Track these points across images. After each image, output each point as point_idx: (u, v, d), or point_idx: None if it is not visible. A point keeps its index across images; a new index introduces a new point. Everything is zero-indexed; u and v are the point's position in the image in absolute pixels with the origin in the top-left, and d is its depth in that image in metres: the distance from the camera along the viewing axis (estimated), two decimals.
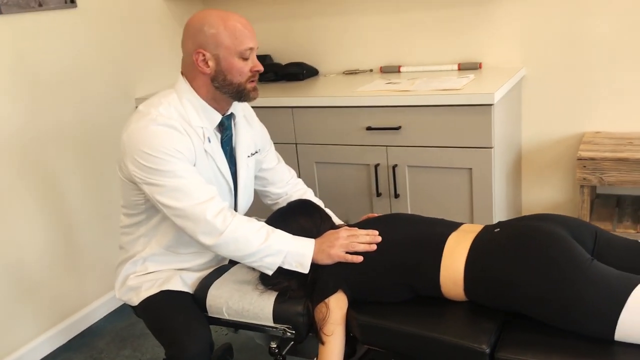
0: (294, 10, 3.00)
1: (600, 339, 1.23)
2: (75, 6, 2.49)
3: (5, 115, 2.27)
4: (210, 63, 1.55)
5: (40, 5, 2.33)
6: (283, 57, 3.04)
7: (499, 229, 1.43)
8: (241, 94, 1.62)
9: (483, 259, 1.36)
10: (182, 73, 1.63)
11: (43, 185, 2.44)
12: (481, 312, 1.37)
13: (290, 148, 2.54)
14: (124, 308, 2.80)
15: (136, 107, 2.80)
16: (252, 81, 1.62)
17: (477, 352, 1.27)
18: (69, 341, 2.57)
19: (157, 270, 1.70)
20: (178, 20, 3.04)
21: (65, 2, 2.44)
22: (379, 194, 2.43)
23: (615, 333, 1.20)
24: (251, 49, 1.57)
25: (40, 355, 2.45)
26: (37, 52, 2.36)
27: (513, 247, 1.33)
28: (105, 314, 2.75)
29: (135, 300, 1.68)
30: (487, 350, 1.27)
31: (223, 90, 1.59)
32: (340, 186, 2.51)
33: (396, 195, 2.40)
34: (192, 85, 1.60)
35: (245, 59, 1.58)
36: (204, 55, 1.54)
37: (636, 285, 1.20)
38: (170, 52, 3.00)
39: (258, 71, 1.61)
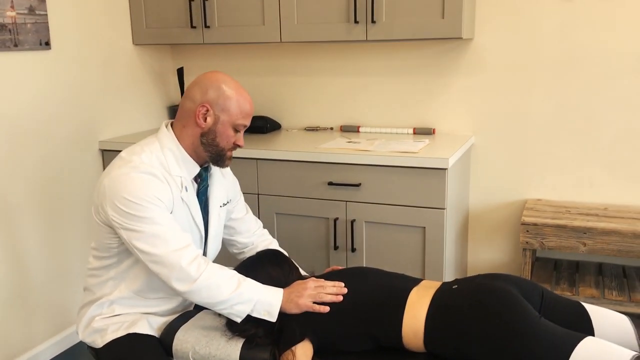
0: (260, 67, 3.14)
1: None
2: (50, 48, 2.53)
3: None
4: (209, 120, 1.65)
5: (15, 45, 2.37)
6: None
7: (456, 286, 1.55)
8: (219, 158, 1.72)
9: (442, 313, 1.47)
10: (168, 124, 1.71)
11: (1, 223, 2.41)
12: None
13: (252, 198, 2.62)
14: (72, 351, 2.74)
15: (100, 149, 2.85)
16: (231, 151, 1.74)
17: None
18: None
19: (124, 313, 1.72)
20: (147, 68, 3.12)
21: (40, 44, 2.48)
22: (336, 247, 2.53)
23: None
24: (245, 126, 1.71)
25: None
26: (6, 90, 2.38)
27: (470, 303, 1.46)
28: (51, 357, 2.68)
29: (100, 343, 1.69)
30: None
31: (207, 148, 1.68)
32: (299, 238, 2.60)
33: (353, 249, 2.50)
34: (178, 133, 1.68)
35: (236, 132, 1.70)
36: (208, 110, 1.64)
37: (579, 341, 1.34)
38: (137, 98, 3.06)
39: (239, 146, 1.74)
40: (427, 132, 2.86)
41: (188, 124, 1.67)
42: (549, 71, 2.65)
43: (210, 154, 1.69)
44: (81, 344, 2.74)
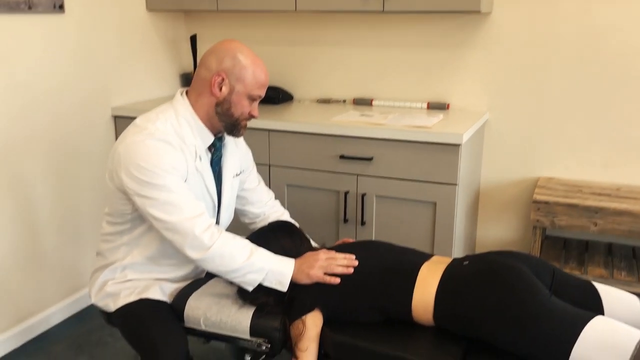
0: (274, 37, 3.11)
1: None
2: (63, 12, 2.52)
3: None
4: (224, 89, 1.64)
5: (29, 7, 2.36)
6: None
7: (467, 262, 1.55)
8: (233, 128, 1.72)
9: (453, 288, 1.48)
10: (183, 92, 1.70)
11: (12, 187, 2.43)
12: (448, 337, 1.48)
13: (263, 169, 2.62)
14: (83, 314, 2.79)
15: (112, 115, 2.86)
16: (246, 121, 1.73)
17: None
18: (24, 344, 2.54)
19: (136, 279, 1.74)
20: (160, 35, 3.09)
21: (54, 7, 2.46)
22: (346, 220, 2.54)
23: None
24: (260, 96, 1.69)
25: None
26: (20, 53, 2.38)
27: (481, 279, 1.46)
28: (63, 319, 2.73)
29: (112, 307, 1.71)
30: None
31: (221, 117, 1.67)
32: (309, 210, 2.60)
33: (362, 223, 2.51)
34: (194, 101, 1.67)
35: (251, 102, 1.69)
36: (223, 79, 1.63)
37: (589, 320, 1.34)
38: (150, 65, 3.05)
39: (254, 116, 1.73)
40: (442, 107, 2.84)
41: (203, 93, 1.67)
42: (567, 48, 2.61)
43: (224, 123, 1.69)
44: (92, 307, 2.77)
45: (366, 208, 2.50)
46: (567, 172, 2.74)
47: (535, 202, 2.46)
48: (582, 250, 2.67)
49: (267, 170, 2.63)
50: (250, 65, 1.65)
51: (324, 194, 2.57)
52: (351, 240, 1.87)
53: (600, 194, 2.52)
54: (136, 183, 1.55)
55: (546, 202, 2.45)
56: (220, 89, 1.64)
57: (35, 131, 2.48)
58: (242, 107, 1.67)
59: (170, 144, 1.60)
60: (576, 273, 2.44)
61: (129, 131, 1.62)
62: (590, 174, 2.71)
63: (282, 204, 2.58)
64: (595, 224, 2.39)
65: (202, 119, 1.69)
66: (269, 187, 2.58)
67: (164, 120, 1.64)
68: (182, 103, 1.68)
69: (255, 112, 1.72)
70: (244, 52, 1.66)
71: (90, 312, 2.79)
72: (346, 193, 2.51)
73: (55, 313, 2.69)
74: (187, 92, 1.72)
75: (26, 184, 2.48)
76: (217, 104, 1.66)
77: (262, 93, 1.70)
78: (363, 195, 2.48)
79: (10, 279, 2.47)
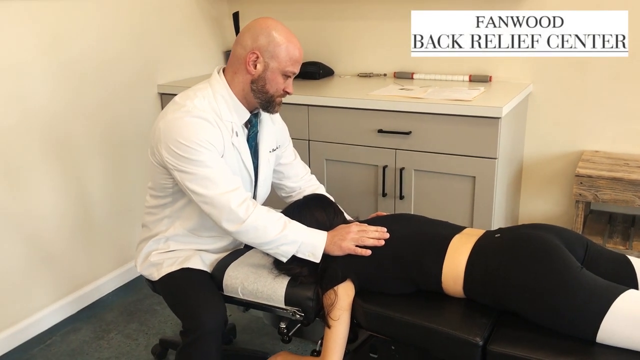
0: (315, 12, 3.12)
1: (583, 339, 1.35)
2: None
3: (37, 93, 2.39)
4: (259, 67, 1.68)
5: None
6: None
7: (499, 234, 1.56)
8: (268, 104, 1.75)
9: (483, 260, 1.48)
10: (220, 70, 1.75)
11: (67, 162, 2.56)
12: (477, 308, 1.50)
13: (302, 144, 2.66)
14: (133, 284, 2.92)
15: (158, 93, 2.94)
16: (281, 97, 1.76)
17: (471, 344, 1.40)
18: (79, 312, 2.69)
19: (178, 249, 1.82)
20: (203, 13, 3.15)
21: None
22: (384, 194, 2.55)
23: (598, 335, 1.33)
24: (294, 73, 1.72)
25: (50, 323, 2.57)
26: (70, 33, 2.48)
27: (511, 251, 1.47)
28: (114, 289, 2.87)
29: (156, 276, 1.80)
30: (480, 343, 1.40)
31: (257, 94, 1.71)
32: (348, 184, 2.63)
33: (401, 197, 2.52)
34: (230, 79, 1.72)
35: (285, 79, 1.72)
36: (258, 57, 1.67)
37: (620, 293, 1.33)
38: (193, 44, 3.12)
39: (288, 93, 1.76)
40: (484, 79, 2.80)
41: (239, 70, 1.71)
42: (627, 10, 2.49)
43: (260, 100, 1.73)
44: (140, 278, 2.92)
45: (404, 182, 2.51)
46: (614, 145, 2.66)
47: (578, 175, 2.42)
48: (629, 224, 2.61)
49: (307, 145, 2.67)
50: (284, 42, 1.67)
51: (363, 168, 2.59)
52: (384, 213, 1.89)
53: None
54: (175, 158, 1.62)
55: (589, 176, 2.40)
56: (255, 66, 1.68)
57: (85, 108, 2.60)
58: (276, 83, 1.71)
59: (207, 120, 1.65)
60: (620, 248, 2.39)
61: (169, 108, 1.69)
62: (638, 147, 2.62)
63: (321, 178, 2.64)
64: None
65: (238, 96, 1.73)
66: (308, 162, 2.64)
67: (202, 97, 1.69)
68: (218, 81, 1.73)
69: (290, 89, 1.75)
70: (278, 29, 1.69)
71: (140, 282, 2.92)
72: (384, 167, 2.52)
73: (107, 282, 2.84)
74: (223, 70, 1.77)
75: (78, 159, 2.61)
76: (252, 81, 1.70)
77: (296, 70, 1.73)
78: (401, 170, 2.49)
79: (65, 250, 2.62)
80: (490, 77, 2.80)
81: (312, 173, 2.14)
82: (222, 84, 1.72)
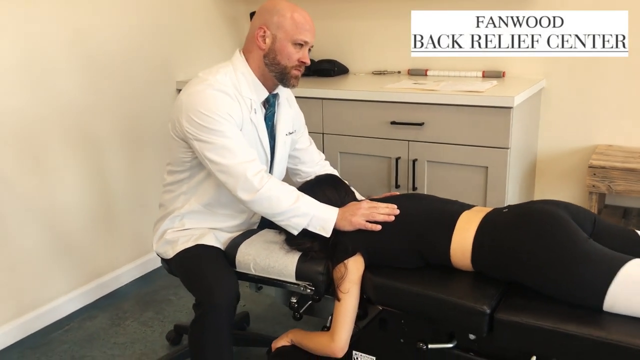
0: (330, 11, 3.18)
1: (590, 308, 1.36)
2: None
3: (61, 87, 2.47)
4: (267, 40, 1.74)
5: None
6: (316, 53, 3.21)
7: (507, 209, 1.58)
8: (284, 77, 1.79)
9: (491, 231, 1.50)
10: (240, 50, 1.82)
11: (89, 155, 2.63)
12: (485, 280, 1.51)
13: (317, 137, 2.70)
14: (150, 276, 2.97)
15: (177, 89, 3.02)
16: (297, 69, 1.79)
17: (479, 312, 1.41)
18: (96, 300, 2.75)
19: (193, 227, 1.86)
20: (221, 12, 3.23)
21: None
22: (397, 186, 2.58)
23: (604, 303, 1.34)
24: (305, 42, 1.76)
25: (69, 311, 2.63)
26: (91, 29, 2.56)
27: (519, 222, 1.48)
28: (131, 280, 2.92)
29: (171, 253, 1.85)
30: (488, 311, 1.41)
31: (270, 68, 1.76)
32: (361, 176, 2.66)
33: (414, 188, 2.54)
34: (247, 58, 1.78)
35: (298, 48, 1.75)
36: (264, 32, 1.73)
37: (626, 262, 1.34)
38: (212, 42, 3.20)
39: (304, 63, 1.79)
40: (497, 75, 2.82)
41: (252, 48, 1.77)
42: (628, 10, 2.52)
43: (274, 73, 1.77)
44: (158, 269, 2.97)
45: (417, 173, 2.53)
46: (628, 139, 2.66)
47: (592, 167, 2.42)
48: None
49: (321, 138, 2.71)
50: (288, 12, 1.73)
51: (376, 160, 2.62)
52: (397, 193, 1.92)
53: None
54: (196, 128, 1.67)
55: (602, 167, 2.40)
56: (265, 40, 1.74)
57: (107, 102, 2.67)
58: (287, 53, 1.74)
59: (228, 94, 1.71)
60: None
61: (192, 82, 1.76)
62: None
63: (337, 172, 2.68)
64: None
65: (256, 74, 1.79)
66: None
67: (224, 74, 1.76)
68: (239, 59, 1.80)
69: (306, 59, 1.78)
70: (282, 3, 1.75)
71: (157, 274, 2.97)
72: (397, 159, 2.55)
73: (125, 273, 2.89)
74: (243, 52, 1.83)
75: (100, 152, 2.68)
76: (265, 56, 1.75)
77: (307, 38, 1.76)
78: (414, 161, 2.52)
79: (85, 240, 2.68)
80: (504, 72, 2.83)
81: (331, 166, 2.18)
82: (242, 62, 1.79)
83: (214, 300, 1.65)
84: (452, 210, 1.62)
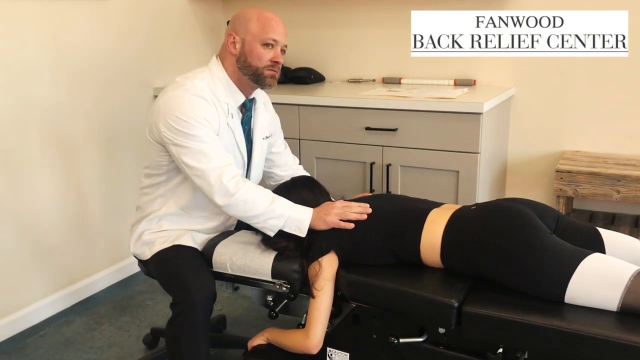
0: (307, 20, 3.24)
1: (553, 300, 1.43)
2: None
3: (38, 91, 2.48)
4: (237, 45, 1.79)
5: None
6: (292, 61, 3.27)
7: (475, 207, 1.64)
8: (258, 78, 1.83)
9: (459, 227, 1.56)
10: (217, 56, 1.86)
11: (65, 159, 2.64)
12: (454, 276, 1.57)
13: (294, 143, 2.74)
14: (126, 281, 2.98)
15: (154, 95, 3.04)
16: (271, 70, 1.82)
17: (448, 305, 1.47)
18: (73, 306, 2.74)
19: (170, 229, 1.89)
20: (198, 19, 3.28)
21: None
22: (372, 190, 2.63)
23: (566, 295, 1.40)
24: (275, 40, 1.80)
25: (44, 316, 2.62)
26: (69, 34, 2.58)
27: (485, 218, 1.55)
28: (107, 285, 2.92)
29: (148, 254, 1.87)
30: (456, 304, 1.47)
31: (244, 71, 1.81)
32: (337, 181, 2.72)
33: (388, 192, 2.60)
34: (223, 65, 1.83)
35: (268, 49, 1.79)
36: (234, 37, 1.78)
37: (587, 255, 1.41)
38: (189, 48, 3.23)
39: (277, 62, 1.82)
40: (468, 83, 2.91)
41: (226, 55, 1.82)
42: (628, 10, 2.59)
43: (248, 76, 1.81)
44: (135, 275, 2.98)
45: (391, 178, 2.59)
46: (594, 145, 2.76)
47: (558, 171, 2.51)
48: (609, 222, 2.68)
49: (298, 143, 2.76)
50: (254, 15, 1.79)
51: (351, 165, 2.68)
52: (369, 194, 1.97)
53: (625, 164, 2.54)
54: (172, 132, 1.71)
55: (569, 171, 2.49)
56: (235, 46, 1.79)
57: (83, 107, 2.69)
58: (258, 54, 1.78)
59: (205, 99, 1.75)
60: None
61: (169, 87, 1.79)
62: (617, 147, 2.72)
63: (312, 175, 2.72)
64: (619, 192, 2.42)
65: (232, 79, 1.84)
66: (299, 161, 2.72)
67: (201, 79, 1.80)
68: (216, 64, 1.84)
69: (278, 58, 1.81)
70: (250, 9, 1.82)
71: (133, 280, 2.98)
72: (372, 164, 2.61)
73: (101, 279, 2.89)
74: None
75: (76, 156, 2.69)
76: (237, 60, 1.80)
77: (275, 36, 1.79)
78: (388, 166, 2.58)
79: (61, 245, 2.68)
80: (475, 81, 2.91)
81: (305, 170, 2.22)
82: (219, 67, 1.83)
83: (191, 297, 1.68)
84: (421, 208, 1.68)
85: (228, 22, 3.13)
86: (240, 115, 1.89)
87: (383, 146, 2.58)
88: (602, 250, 1.54)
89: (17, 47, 2.39)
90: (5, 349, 2.40)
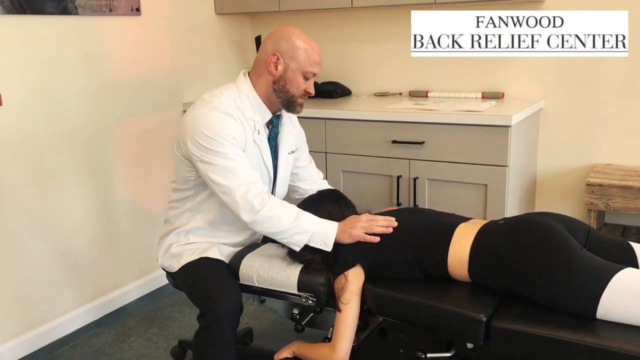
0: (334, 34, 3.26)
1: (584, 316, 1.40)
2: (140, 14, 2.78)
3: (71, 108, 2.55)
4: (280, 67, 1.80)
5: (110, 10, 2.63)
6: (320, 76, 3.26)
7: (503, 221, 1.62)
8: (290, 104, 1.86)
9: (487, 242, 1.55)
10: (245, 73, 1.88)
11: (96, 174, 2.70)
12: (482, 290, 1.55)
13: (320, 156, 2.76)
14: (155, 294, 3.01)
15: (183, 110, 3.09)
16: (302, 98, 1.87)
17: (476, 320, 1.45)
18: (102, 317, 2.78)
19: (198, 242, 1.91)
20: (228, 36, 3.33)
21: (132, 10, 2.73)
22: (399, 204, 2.62)
23: (597, 311, 1.37)
24: (314, 74, 1.84)
25: (75, 327, 2.67)
26: (102, 51, 2.65)
27: (514, 232, 1.53)
28: (136, 297, 2.96)
29: (176, 266, 1.89)
30: (484, 319, 1.45)
31: (278, 94, 1.83)
32: (364, 194, 2.71)
33: (415, 206, 2.58)
34: (254, 81, 1.85)
35: (306, 80, 1.83)
36: (278, 59, 1.79)
37: (618, 270, 1.38)
38: (218, 63, 3.28)
39: (309, 93, 1.87)
40: (496, 96, 2.88)
41: (262, 73, 1.83)
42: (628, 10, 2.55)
43: (281, 100, 1.84)
44: (164, 287, 3.01)
45: (418, 191, 2.58)
46: (626, 158, 2.71)
47: (589, 184, 2.47)
48: None
49: (324, 157, 2.77)
50: (303, 45, 1.80)
51: (378, 178, 2.67)
52: (395, 207, 1.96)
53: None
54: (200, 149, 1.73)
55: (600, 185, 2.44)
56: (277, 67, 1.80)
57: (115, 122, 2.75)
58: (297, 83, 1.82)
59: (232, 116, 1.77)
60: None
61: (197, 104, 1.81)
62: None
63: (338, 189, 2.72)
64: None
65: (261, 97, 1.85)
66: (325, 174, 2.73)
67: (228, 96, 1.82)
68: (244, 82, 1.86)
69: (311, 89, 1.86)
70: (298, 34, 1.82)
71: (162, 292, 3.01)
72: (399, 177, 2.60)
73: (130, 291, 2.93)
74: (248, 74, 1.89)
75: (106, 171, 2.75)
76: (274, 82, 1.82)
77: (316, 70, 1.84)
78: (415, 179, 2.57)
79: (91, 257, 2.73)
80: (503, 94, 2.89)
81: (329, 184, 2.23)
82: (247, 84, 1.85)
83: (218, 309, 1.69)
84: (449, 222, 1.67)
85: (257, 38, 3.25)
86: (267, 131, 1.91)
87: (410, 159, 2.57)
88: (635, 265, 1.50)
89: (52, 67, 2.46)
90: None
